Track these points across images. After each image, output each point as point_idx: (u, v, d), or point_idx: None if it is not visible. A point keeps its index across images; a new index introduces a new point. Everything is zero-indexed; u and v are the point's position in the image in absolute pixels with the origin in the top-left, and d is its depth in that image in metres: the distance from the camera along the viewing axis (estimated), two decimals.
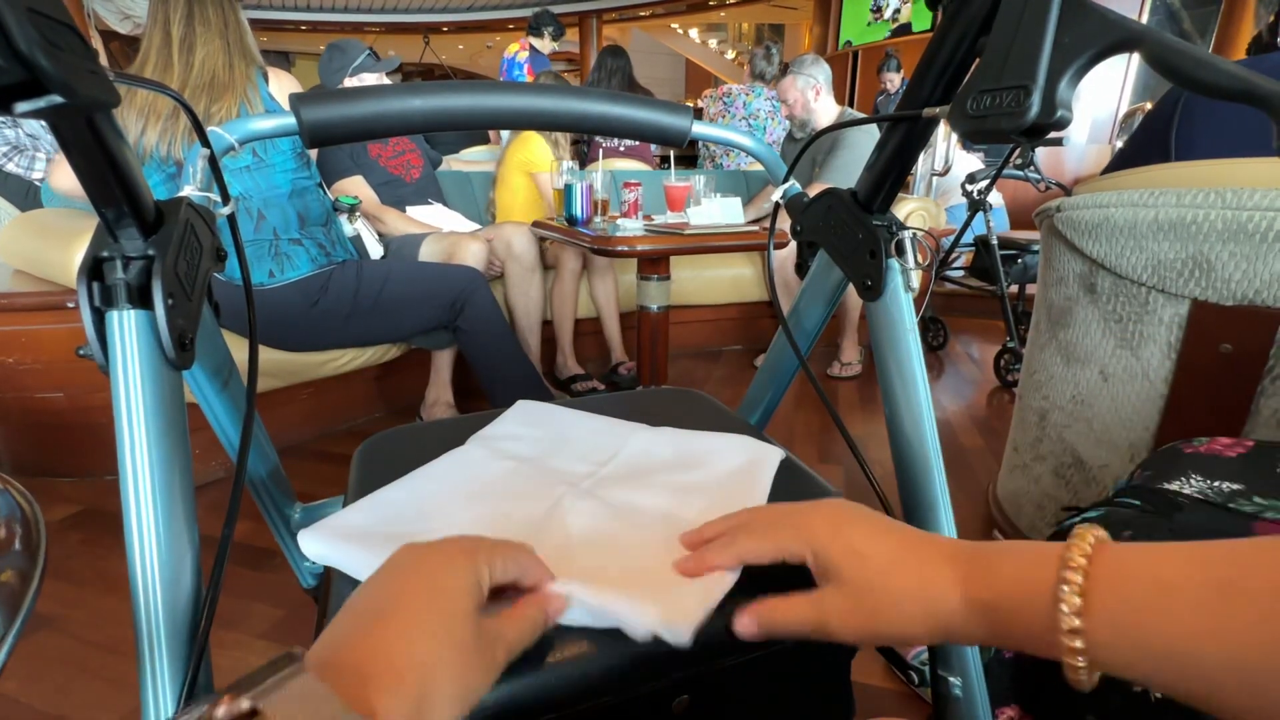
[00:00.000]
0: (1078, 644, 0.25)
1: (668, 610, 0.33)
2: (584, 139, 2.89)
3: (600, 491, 0.47)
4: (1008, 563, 0.28)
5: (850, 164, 2.17)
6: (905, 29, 4.99)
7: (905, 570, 0.30)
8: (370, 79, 1.93)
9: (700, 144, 3.40)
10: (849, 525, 0.33)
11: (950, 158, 2.98)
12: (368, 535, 0.40)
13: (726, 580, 0.35)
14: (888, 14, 5.09)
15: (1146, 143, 0.92)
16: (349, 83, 1.91)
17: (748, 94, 3.18)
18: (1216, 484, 0.58)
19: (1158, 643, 0.24)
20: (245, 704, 0.20)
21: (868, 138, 2.18)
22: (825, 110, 2.28)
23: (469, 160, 3.04)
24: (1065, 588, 0.25)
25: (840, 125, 0.61)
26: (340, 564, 0.39)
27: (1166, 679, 0.24)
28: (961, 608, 0.29)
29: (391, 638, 0.25)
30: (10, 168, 2.24)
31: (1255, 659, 0.21)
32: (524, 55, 3.58)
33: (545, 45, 3.58)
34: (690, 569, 0.36)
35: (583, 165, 2.73)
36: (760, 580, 0.36)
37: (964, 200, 2.32)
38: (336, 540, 0.39)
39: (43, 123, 0.28)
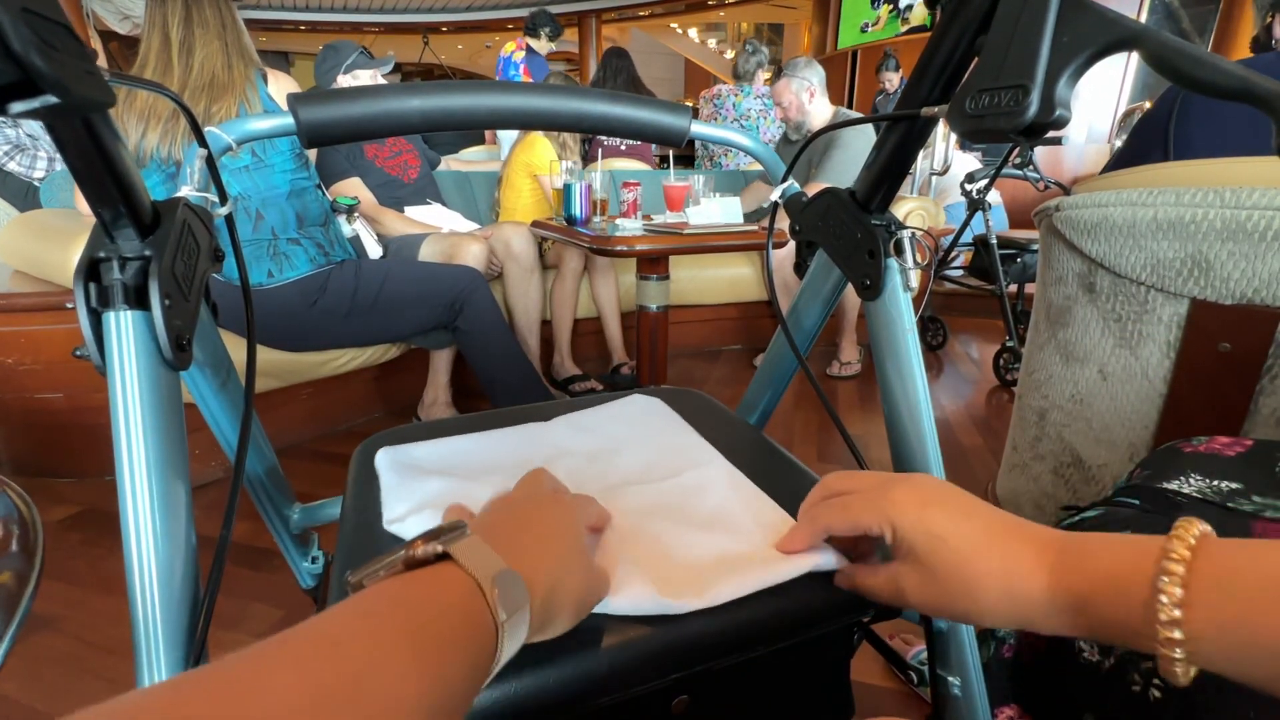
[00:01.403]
0: (1176, 635, 0.24)
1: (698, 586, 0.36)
2: (587, 138, 2.89)
3: (639, 497, 0.47)
4: (1103, 552, 0.28)
5: (845, 163, 2.17)
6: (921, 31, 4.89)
7: (988, 555, 0.30)
8: (365, 76, 1.93)
9: (699, 144, 3.40)
10: (932, 505, 0.32)
11: (949, 157, 2.98)
12: (428, 476, 0.46)
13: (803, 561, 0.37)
14: (902, 4, 4.99)
15: (1145, 141, 0.92)
16: (343, 80, 1.91)
17: (737, 94, 3.18)
18: (1216, 483, 0.57)
19: (1265, 637, 0.23)
20: (438, 547, 0.25)
21: (863, 136, 2.18)
22: (820, 112, 2.29)
23: (468, 160, 3.03)
24: (1165, 579, 0.24)
25: (837, 125, 0.61)
26: (391, 488, 0.43)
27: (1272, 674, 0.23)
28: (1046, 596, 0.28)
29: (531, 541, 0.30)
30: (11, 166, 2.24)
31: None
32: (520, 55, 3.58)
33: (542, 45, 3.57)
34: (783, 546, 0.38)
35: (583, 164, 2.73)
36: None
37: (962, 199, 2.32)
38: (402, 469, 0.44)
39: (39, 123, 0.28)
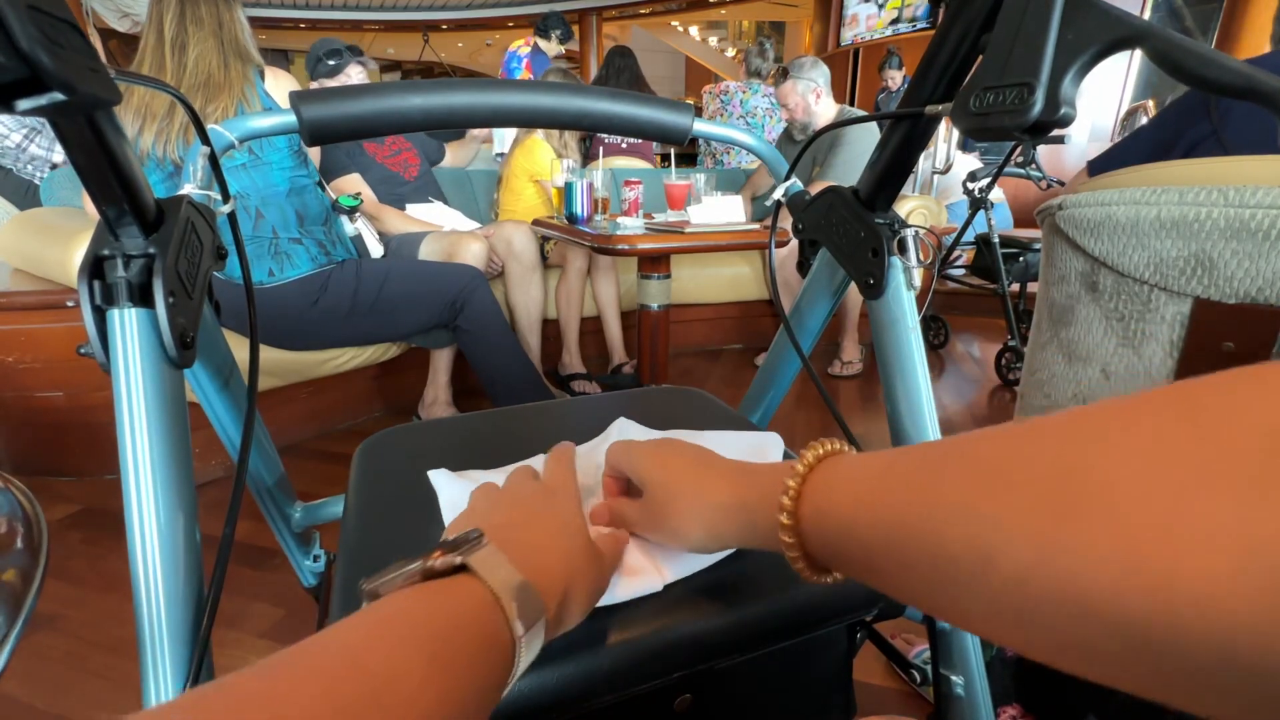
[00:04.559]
0: (789, 539, 0.27)
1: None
2: (587, 136, 2.88)
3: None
4: (764, 472, 0.32)
5: (850, 160, 2.17)
6: None
7: (692, 477, 0.35)
8: (332, 84, 1.93)
9: (701, 142, 3.40)
10: (667, 446, 0.38)
11: (950, 156, 2.98)
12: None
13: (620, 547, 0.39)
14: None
15: (1188, 110, 0.97)
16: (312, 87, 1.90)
17: (745, 91, 3.17)
18: None
19: (837, 526, 0.25)
20: (457, 559, 0.25)
21: (868, 134, 2.17)
22: (825, 113, 2.28)
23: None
24: (784, 496, 0.27)
25: (841, 124, 0.61)
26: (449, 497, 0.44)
27: (852, 566, 0.25)
28: (725, 509, 0.32)
29: (543, 543, 0.31)
30: (33, 150, 2.23)
31: (900, 521, 0.22)
32: (525, 49, 3.58)
33: (551, 47, 3.57)
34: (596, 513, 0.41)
35: (584, 163, 2.73)
36: (734, 570, 0.36)
37: (964, 198, 2.31)
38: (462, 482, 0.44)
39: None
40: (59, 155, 2.24)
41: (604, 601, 0.35)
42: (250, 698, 0.18)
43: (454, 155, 2.48)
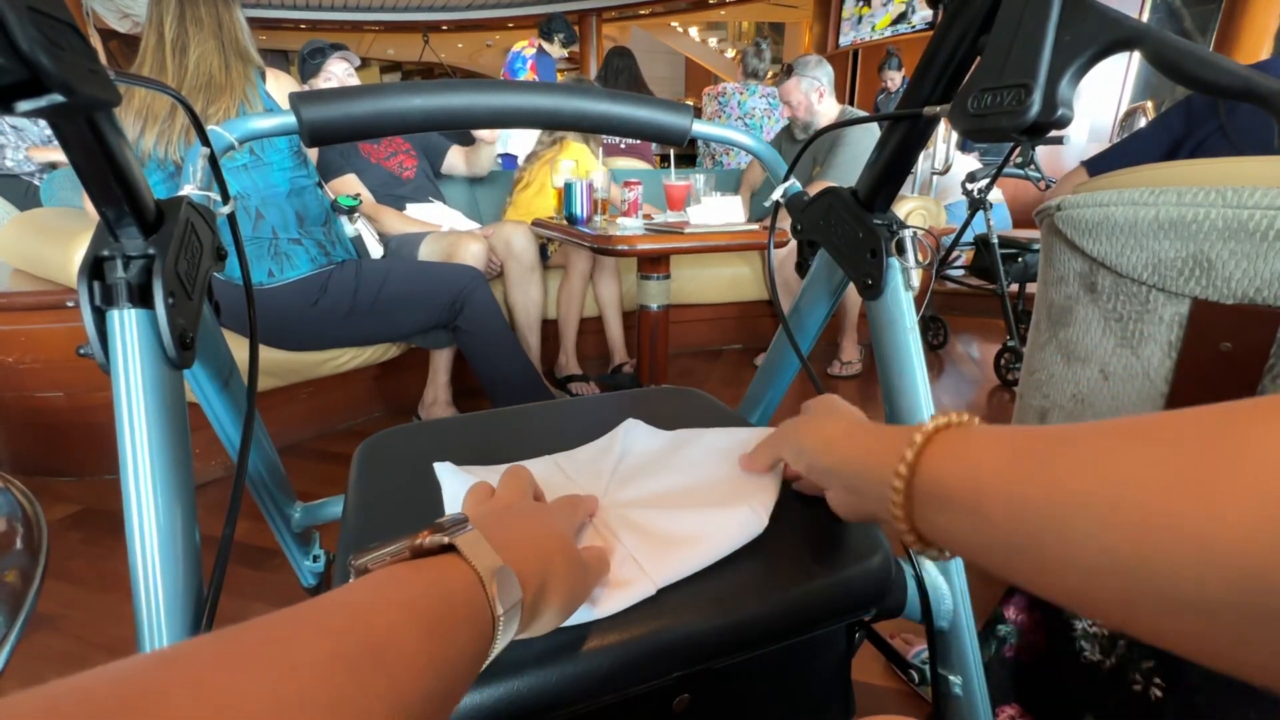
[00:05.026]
0: (897, 499, 0.28)
1: (742, 518, 0.40)
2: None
3: (632, 484, 0.48)
4: (885, 437, 0.32)
5: (851, 161, 2.17)
6: None
7: (850, 445, 0.36)
8: (320, 83, 1.94)
9: (700, 142, 3.40)
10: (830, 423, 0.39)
11: (950, 157, 2.98)
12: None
13: (771, 482, 0.44)
14: None
15: (1200, 107, 0.99)
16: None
17: (742, 92, 3.17)
18: None
19: (956, 489, 0.26)
20: (445, 539, 0.26)
21: (869, 135, 2.17)
22: (828, 112, 2.28)
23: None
24: (900, 464, 0.28)
25: (841, 124, 0.61)
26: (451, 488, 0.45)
27: (961, 534, 0.26)
28: (843, 481, 0.34)
29: (523, 540, 0.31)
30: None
31: (1020, 477, 0.22)
32: (530, 51, 3.58)
33: (554, 50, 3.58)
34: (745, 465, 0.46)
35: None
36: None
37: (964, 198, 2.31)
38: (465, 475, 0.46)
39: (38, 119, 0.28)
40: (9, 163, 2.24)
41: (597, 614, 0.35)
42: (269, 642, 0.19)
43: (467, 162, 2.43)
